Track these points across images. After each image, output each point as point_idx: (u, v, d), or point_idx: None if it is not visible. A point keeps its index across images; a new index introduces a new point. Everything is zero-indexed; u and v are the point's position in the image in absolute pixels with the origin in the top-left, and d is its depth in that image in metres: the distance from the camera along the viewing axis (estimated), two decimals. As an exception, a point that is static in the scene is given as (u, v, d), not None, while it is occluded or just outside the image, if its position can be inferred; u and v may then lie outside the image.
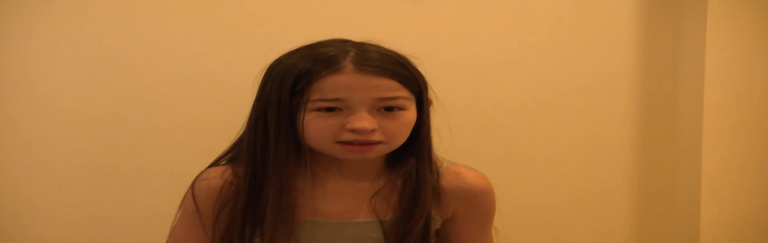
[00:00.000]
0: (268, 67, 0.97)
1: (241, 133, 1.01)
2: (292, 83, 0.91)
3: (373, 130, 0.91)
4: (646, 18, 1.55)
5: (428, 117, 1.00)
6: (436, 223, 1.02)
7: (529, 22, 1.52)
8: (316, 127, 0.92)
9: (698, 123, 1.51)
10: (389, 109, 0.93)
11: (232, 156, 1.03)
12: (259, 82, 0.97)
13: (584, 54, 1.54)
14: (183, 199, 1.02)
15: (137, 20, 1.41)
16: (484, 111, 1.52)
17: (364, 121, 0.90)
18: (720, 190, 1.52)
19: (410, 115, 0.95)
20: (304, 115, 0.92)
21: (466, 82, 1.51)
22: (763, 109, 1.53)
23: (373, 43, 0.97)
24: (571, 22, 1.54)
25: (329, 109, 0.92)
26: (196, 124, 1.43)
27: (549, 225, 1.57)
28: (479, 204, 1.04)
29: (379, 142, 0.93)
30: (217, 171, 1.01)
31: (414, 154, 0.99)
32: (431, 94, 1.01)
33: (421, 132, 0.99)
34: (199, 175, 1.02)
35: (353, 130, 0.91)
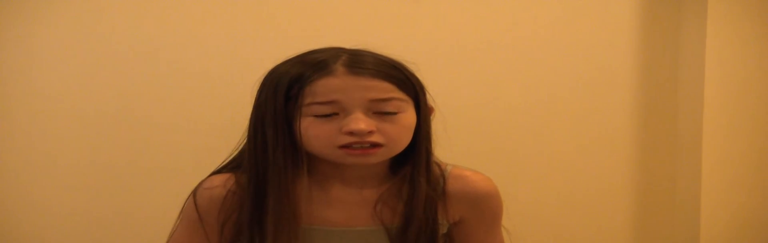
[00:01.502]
0: (263, 77, 0.97)
1: (241, 142, 1.01)
2: (285, 89, 0.91)
3: (370, 132, 0.91)
4: (646, 18, 1.55)
5: (427, 123, 0.99)
6: (443, 228, 1.02)
7: (529, 22, 1.52)
8: (313, 133, 0.92)
9: (698, 123, 1.51)
10: (386, 111, 0.92)
11: (235, 165, 1.02)
12: (256, 92, 0.97)
13: (585, 54, 1.54)
14: (184, 206, 1.01)
15: (139, 20, 1.41)
16: (484, 111, 1.52)
17: (360, 122, 0.90)
18: (720, 190, 1.52)
19: (409, 117, 0.95)
20: (300, 121, 0.92)
21: (467, 82, 1.51)
22: (763, 108, 1.53)
23: (368, 49, 0.97)
24: (571, 22, 1.53)
25: (325, 116, 0.91)
26: (197, 124, 1.43)
27: (548, 225, 1.57)
28: (486, 207, 1.03)
29: (379, 145, 0.92)
30: (219, 179, 1.00)
31: (411, 159, 0.99)
32: (431, 101, 1.00)
33: (419, 137, 0.98)
34: (201, 184, 1.01)
35: (351, 133, 0.90)
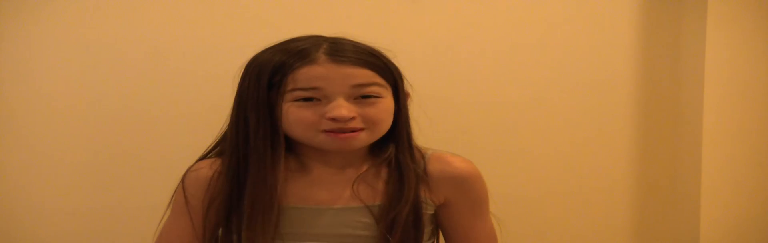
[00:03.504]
0: (245, 64, 1.00)
1: (224, 128, 1.04)
2: (268, 76, 0.95)
3: (352, 118, 0.94)
4: (646, 18, 1.56)
5: (406, 107, 1.03)
6: (429, 209, 1.04)
7: (529, 21, 1.53)
8: (295, 118, 0.95)
9: (698, 123, 1.51)
10: (366, 96, 0.96)
11: (219, 150, 1.06)
12: (238, 80, 1.00)
13: (585, 54, 1.55)
14: (174, 193, 1.05)
15: (137, 20, 1.42)
16: (485, 111, 1.53)
17: (342, 108, 0.93)
18: (720, 190, 1.51)
19: (388, 102, 0.98)
20: (282, 107, 0.95)
21: (466, 82, 1.52)
22: (763, 109, 1.52)
23: (347, 38, 1.01)
24: (572, 22, 1.54)
25: (307, 99, 0.94)
26: (197, 123, 1.44)
27: (548, 225, 1.57)
28: (469, 188, 1.05)
29: (361, 130, 0.96)
30: (205, 163, 1.04)
31: (393, 141, 1.03)
32: (407, 86, 1.03)
33: (399, 121, 1.02)
34: (189, 168, 1.05)
35: (333, 119, 0.93)
